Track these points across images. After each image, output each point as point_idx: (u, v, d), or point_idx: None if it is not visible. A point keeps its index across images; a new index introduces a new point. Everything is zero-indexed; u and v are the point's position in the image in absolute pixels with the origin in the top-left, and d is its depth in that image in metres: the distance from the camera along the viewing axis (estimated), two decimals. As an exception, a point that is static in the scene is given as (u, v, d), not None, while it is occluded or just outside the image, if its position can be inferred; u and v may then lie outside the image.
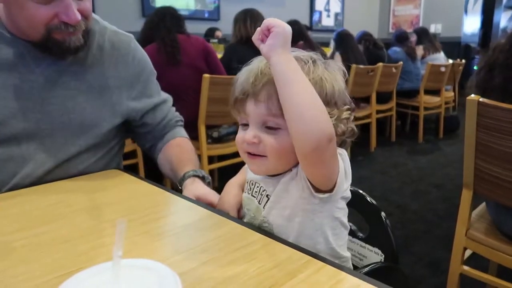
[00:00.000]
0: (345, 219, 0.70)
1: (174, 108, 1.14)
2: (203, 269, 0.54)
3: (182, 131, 1.13)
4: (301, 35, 3.29)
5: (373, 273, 0.67)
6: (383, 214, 0.79)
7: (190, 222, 0.71)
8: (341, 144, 0.68)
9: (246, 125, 0.67)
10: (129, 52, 1.01)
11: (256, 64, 0.67)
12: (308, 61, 0.65)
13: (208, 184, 0.93)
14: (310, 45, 3.28)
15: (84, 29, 0.87)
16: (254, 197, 0.72)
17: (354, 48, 3.80)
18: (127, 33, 1.05)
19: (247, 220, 0.74)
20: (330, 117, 0.61)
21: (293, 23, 3.39)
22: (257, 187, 0.72)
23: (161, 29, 2.29)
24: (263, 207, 0.70)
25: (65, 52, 0.87)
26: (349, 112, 0.66)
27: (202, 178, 0.93)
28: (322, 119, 0.57)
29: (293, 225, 0.67)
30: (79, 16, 0.82)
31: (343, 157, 0.66)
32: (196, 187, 0.88)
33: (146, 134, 1.08)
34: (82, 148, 0.93)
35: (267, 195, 0.70)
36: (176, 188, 0.93)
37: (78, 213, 0.72)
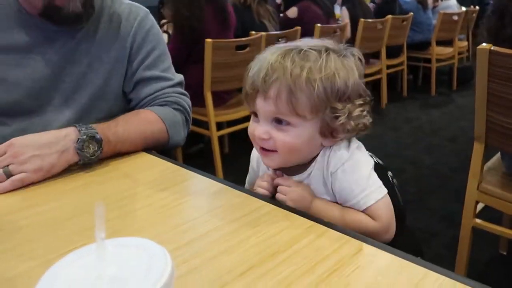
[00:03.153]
0: None
1: (175, 90, 1.01)
2: (206, 238, 0.54)
3: (160, 108, 0.96)
4: None
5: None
6: (389, 173, 0.78)
7: (193, 192, 0.71)
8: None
9: (257, 115, 0.65)
10: (142, 26, 0.98)
11: (268, 56, 0.63)
12: (321, 54, 0.61)
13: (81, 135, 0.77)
14: (314, 1, 3.17)
15: None
16: None
17: (360, 1, 3.67)
18: (142, 7, 1.02)
19: None
20: (340, 115, 0.60)
21: None
22: None
23: None
24: None
25: (64, 19, 0.85)
26: (361, 108, 0.63)
27: (79, 131, 0.78)
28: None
29: None
30: None
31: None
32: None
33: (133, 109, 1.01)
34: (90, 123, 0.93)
35: None
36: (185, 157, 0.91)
37: (83, 189, 0.73)
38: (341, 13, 3.58)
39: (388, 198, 0.65)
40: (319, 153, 0.66)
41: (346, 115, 0.61)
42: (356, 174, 0.64)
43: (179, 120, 0.98)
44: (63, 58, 0.90)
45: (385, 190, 0.65)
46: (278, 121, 0.62)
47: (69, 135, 0.78)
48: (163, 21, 2.72)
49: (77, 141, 0.76)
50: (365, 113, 0.64)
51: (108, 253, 0.29)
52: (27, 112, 0.89)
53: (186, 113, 1.01)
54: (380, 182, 0.65)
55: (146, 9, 1.02)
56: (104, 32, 0.94)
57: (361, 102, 0.63)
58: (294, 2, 3.20)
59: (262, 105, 0.62)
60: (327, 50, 0.62)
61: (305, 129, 0.62)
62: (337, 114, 0.61)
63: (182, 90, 1.03)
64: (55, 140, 0.76)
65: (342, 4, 3.68)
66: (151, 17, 1.02)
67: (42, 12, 0.84)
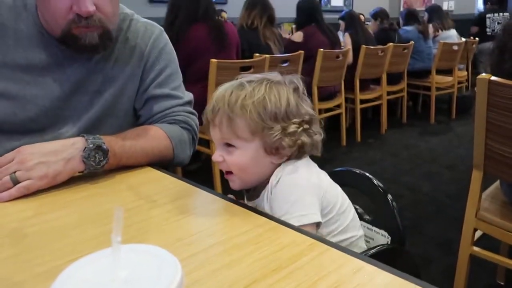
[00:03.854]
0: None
1: (185, 109, 1.02)
2: (208, 252, 0.55)
3: (168, 126, 0.97)
4: (311, 17, 3.23)
5: (378, 255, 0.67)
6: (389, 196, 0.79)
7: (196, 207, 0.72)
8: (298, 154, 0.72)
9: None
10: (156, 44, 1.00)
11: (217, 92, 0.73)
12: (255, 84, 0.70)
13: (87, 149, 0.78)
14: (321, 29, 3.23)
15: (102, 30, 0.85)
16: None
17: (363, 28, 3.74)
18: (157, 25, 1.04)
19: None
20: (274, 132, 0.68)
21: (303, 2, 3.34)
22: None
23: (209, 10, 2.33)
24: None
25: (81, 48, 0.86)
26: (296, 125, 0.69)
27: (86, 140, 0.80)
28: None
29: None
30: (91, 8, 0.80)
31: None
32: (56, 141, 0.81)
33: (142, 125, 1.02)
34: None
35: None
36: (185, 174, 0.92)
37: (88, 199, 0.74)
38: (344, 39, 3.65)
39: (308, 228, 0.66)
40: None
41: (280, 131, 0.68)
42: (282, 196, 0.69)
43: (186, 139, 1.00)
44: (80, 78, 0.92)
45: (308, 220, 0.66)
46: (227, 145, 0.71)
47: (76, 143, 0.79)
48: None
49: (84, 149, 0.78)
50: (301, 129, 0.70)
51: (122, 257, 0.30)
52: (40, 129, 0.90)
53: (194, 132, 1.03)
54: (306, 211, 0.67)
55: (161, 27, 1.04)
56: (121, 52, 0.96)
57: (298, 120, 0.70)
58: (300, 27, 3.28)
59: (212, 133, 0.73)
60: (262, 80, 0.71)
61: (249, 149, 0.70)
62: (271, 132, 0.68)
63: (191, 109, 1.05)
64: (61, 148, 0.78)
65: (345, 31, 3.76)
66: (165, 35, 1.04)
67: (60, 38, 0.86)
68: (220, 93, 0.72)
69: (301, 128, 0.70)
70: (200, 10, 2.31)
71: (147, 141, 0.91)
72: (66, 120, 0.92)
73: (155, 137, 0.93)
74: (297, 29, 3.35)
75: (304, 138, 0.70)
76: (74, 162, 0.78)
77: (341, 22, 3.91)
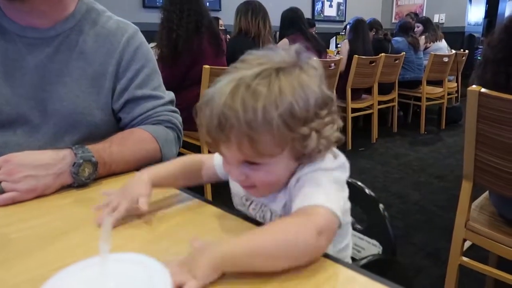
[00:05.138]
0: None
1: (167, 108, 1.02)
2: (198, 261, 0.54)
3: (153, 127, 0.96)
4: (295, 26, 3.27)
5: (370, 265, 0.67)
6: (381, 206, 0.79)
7: (188, 214, 0.71)
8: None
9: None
10: (131, 43, 0.99)
11: (216, 97, 0.56)
12: (272, 83, 0.54)
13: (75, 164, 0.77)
14: (305, 37, 3.26)
15: None
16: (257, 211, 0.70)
17: (365, 38, 3.77)
18: (131, 24, 1.02)
19: None
20: (308, 141, 0.56)
21: (288, 11, 3.38)
22: (255, 204, 0.70)
23: (206, 19, 2.37)
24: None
25: None
26: (329, 118, 0.58)
27: (75, 155, 0.78)
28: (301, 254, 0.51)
29: None
30: None
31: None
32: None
33: (124, 128, 1.01)
34: (76, 137, 0.92)
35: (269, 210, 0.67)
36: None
37: (75, 205, 0.72)
38: (342, 46, 3.70)
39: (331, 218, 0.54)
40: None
41: (316, 137, 0.56)
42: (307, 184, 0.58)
43: (172, 138, 0.99)
44: (41, 65, 0.90)
45: (331, 205, 0.55)
46: (249, 162, 0.59)
47: (66, 158, 0.77)
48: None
49: (73, 164, 0.77)
50: (335, 126, 0.59)
51: (110, 267, 0.29)
52: (9, 121, 0.89)
53: (178, 130, 1.03)
54: (334, 198, 0.56)
55: (136, 27, 1.03)
56: (88, 45, 0.94)
57: (327, 111, 0.58)
58: (284, 35, 3.31)
59: (227, 152, 0.59)
60: (278, 73, 0.56)
61: (278, 163, 0.59)
62: (305, 142, 0.56)
63: (173, 108, 1.05)
64: (52, 162, 0.76)
65: (347, 36, 3.80)
66: (141, 34, 1.03)
67: None
68: (226, 104, 0.54)
69: (334, 122, 0.59)
70: (209, 17, 2.41)
71: (135, 145, 0.90)
72: (34, 111, 0.90)
73: (141, 140, 0.92)
74: (281, 37, 3.38)
75: (337, 125, 0.59)
76: (63, 177, 0.76)
77: (348, 27, 3.95)
